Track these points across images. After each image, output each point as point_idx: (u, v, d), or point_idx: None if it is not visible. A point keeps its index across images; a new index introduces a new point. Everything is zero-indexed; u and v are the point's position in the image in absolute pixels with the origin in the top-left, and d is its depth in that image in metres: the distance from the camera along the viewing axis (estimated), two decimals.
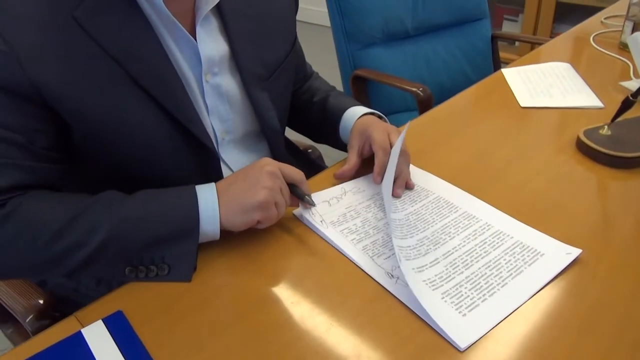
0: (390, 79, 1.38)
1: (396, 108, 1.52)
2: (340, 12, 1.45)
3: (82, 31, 0.60)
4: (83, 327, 0.55)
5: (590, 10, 2.70)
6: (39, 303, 0.73)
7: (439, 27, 1.60)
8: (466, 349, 0.50)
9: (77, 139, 0.63)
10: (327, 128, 0.89)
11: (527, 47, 2.99)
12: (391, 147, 0.74)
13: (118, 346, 0.52)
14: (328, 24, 1.50)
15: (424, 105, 1.28)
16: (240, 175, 0.64)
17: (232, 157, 0.79)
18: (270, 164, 0.64)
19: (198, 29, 0.69)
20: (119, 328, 0.54)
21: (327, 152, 1.07)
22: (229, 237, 0.64)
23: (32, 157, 0.60)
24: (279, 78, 0.81)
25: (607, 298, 0.55)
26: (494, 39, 1.70)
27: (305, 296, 0.57)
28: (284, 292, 0.58)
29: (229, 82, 0.75)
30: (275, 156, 0.85)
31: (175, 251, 0.59)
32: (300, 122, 0.97)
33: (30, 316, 0.73)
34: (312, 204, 0.68)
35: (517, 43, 2.99)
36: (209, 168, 0.74)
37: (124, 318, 0.55)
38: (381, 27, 1.48)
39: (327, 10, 1.48)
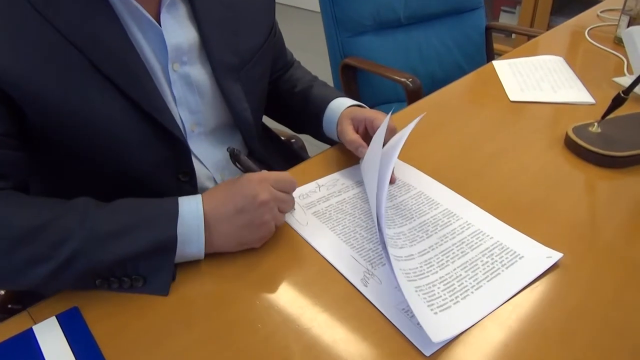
0: (380, 69, 1.35)
1: (386, 98, 1.49)
2: None
3: (39, 16, 0.56)
4: (35, 323, 0.52)
5: (588, 3, 2.68)
6: None
7: (432, 16, 1.56)
8: (431, 355, 0.47)
9: (36, 127, 0.59)
10: (309, 119, 0.86)
11: (524, 40, 2.95)
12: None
13: (70, 344, 0.49)
14: (318, 9, 1.46)
15: (413, 96, 1.25)
16: (231, 205, 0.59)
17: (202, 150, 0.75)
18: (262, 192, 0.59)
19: (163, 15, 0.65)
20: (72, 325, 0.51)
21: (310, 142, 1.03)
22: None
23: None
24: (253, 68, 0.77)
25: (586, 305, 0.52)
26: (488, 30, 1.66)
27: (275, 293, 0.55)
28: (249, 290, 0.56)
29: (198, 72, 0.71)
30: (250, 149, 0.81)
31: (150, 264, 0.56)
32: (280, 113, 0.94)
33: None
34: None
35: (513, 35, 2.95)
36: (179, 160, 0.70)
37: (79, 315, 0.53)
38: (372, 15, 1.44)
39: None
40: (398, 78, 1.27)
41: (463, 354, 0.48)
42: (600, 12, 1.40)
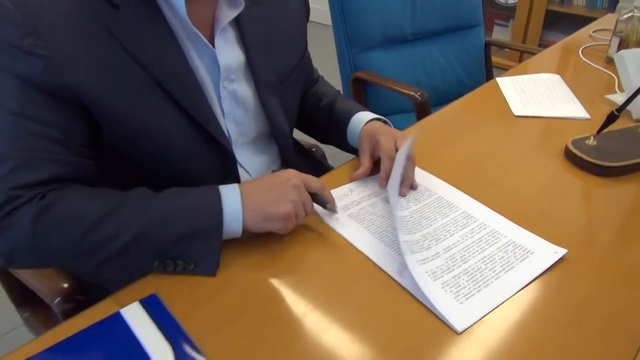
0: (389, 83, 1.45)
1: (393, 110, 1.59)
2: (342, 16, 1.51)
3: (115, 40, 0.65)
4: (121, 308, 0.60)
5: (579, 19, 2.81)
6: (64, 287, 0.79)
7: (436, 33, 1.67)
8: (462, 332, 0.57)
9: (108, 138, 0.68)
10: (334, 131, 0.96)
11: (516, 53, 3.09)
12: (397, 151, 0.80)
13: (156, 324, 0.58)
14: (327, 22, 1.55)
15: (421, 108, 1.35)
16: (266, 185, 0.69)
17: (245, 158, 0.85)
18: (295, 177, 0.70)
19: (217, 39, 0.74)
20: (154, 308, 0.60)
21: (330, 151, 1.13)
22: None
23: (70, 153, 0.65)
24: (289, 84, 0.87)
25: (590, 294, 0.62)
26: (488, 45, 1.77)
27: (321, 285, 0.64)
28: (301, 280, 0.65)
29: (244, 89, 0.80)
30: (284, 157, 0.91)
31: (200, 247, 0.64)
32: (307, 125, 1.03)
33: (58, 299, 0.78)
34: (334, 211, 0.74)
35: (506, 49, 3.08)
36: (226, 167, 0.79)
37: (159, 299, 0.61)
38: (381, 31, 1.55)
39: (326, 9, 1.54)
40: (407, 92, 1.37)
41: (487, 332, 0.57)
42: (593, 32, 1.51)
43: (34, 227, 0.61)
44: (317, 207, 0.74)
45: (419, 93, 1.35)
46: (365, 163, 0.84)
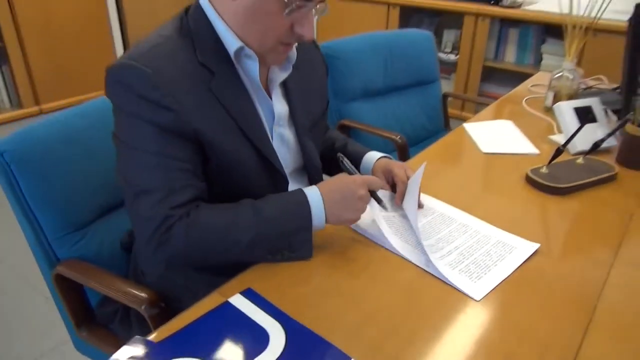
0: (373, 129, 1.72)
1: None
2: (329, 74, 1.77)
3: (214, 97, 0.87)
4: (227, 299, 0.80)
5: (509, 73, 3.28)
6: (146, 297, 0.96)
7: (403, 87, 1.98)
8: (480, 300, 0.81)
9: (210, 167, 0.89)
10: None
11: (459, 102, 3.51)
12: (407, 178, 1.05)
13: (260, 307, 0.77)
14: None
15: (402, 149, 1.62)
16: (339, 191, 0.91)
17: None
18: (362, 188, 0.91)
19: (273, 93, 0.98)
20: (254, 296, 0.80)
21: None
22: (325, 241, 0.93)
23: (197, 179, 0.86)
24: (318, 127, 1.12)
25: (558, 272, 0.88)
26: (445, 97, 2.10)
27: (376, 275, 0.86)
28: (361, 273, 0.87)
29: (288, 132, 1.04)
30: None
31: (298, 239, 0.87)
32: (322, 163, 1.26)
33: (144, 305, 0.95)
34: (386, 208, 0.96)
35: (450, 98, 3.48)
36: (280, 189, 1.01)
37: (254, 291, 0.81)
38: (360, 86, 1.83)
39: None
40: (389, 136, 1.65)
41: (494, 299, 0.81)
42: (531, 86, 1.86)
43: (187, 239, 0.81)
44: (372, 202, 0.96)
45: (399, 137, 1.63)
46: (387, 188, 1.08)
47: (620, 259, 0.92)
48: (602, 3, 1.46)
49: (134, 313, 1.06)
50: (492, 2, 3.17)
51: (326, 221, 0.90)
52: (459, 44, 3.39)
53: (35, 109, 3.65)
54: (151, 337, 0.73)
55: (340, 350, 0.70)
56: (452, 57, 3.47)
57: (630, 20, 1.27)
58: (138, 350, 0.70)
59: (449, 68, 3.57)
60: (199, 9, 0.90)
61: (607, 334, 0.76)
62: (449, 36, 3.54)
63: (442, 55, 3.51)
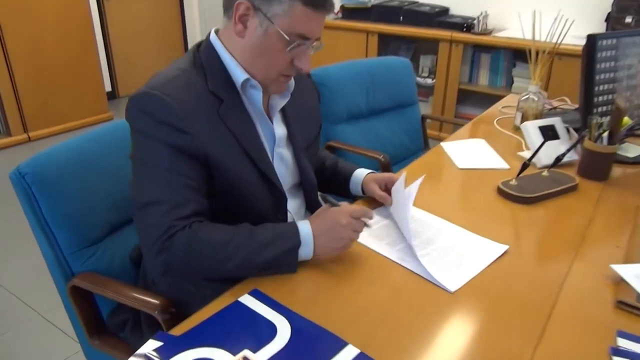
0: (358, 149, 1.85)
1: None
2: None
3: (222, 122, 0.99)
4: (237, 299, 0.90)
5: (483, 95, 3.48)
6: (158, 303, 1.05)
7: (385, 110, 2.12)
8: (454, 292, 0.93)
9: (215, 185, 1.00)
10: (337, 183, 1.33)
11: (437, 123, 3.68)
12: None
13: (267, 305, 0.88)
14: None
15: (385, 167, 1.75)
16: (326, 226, 0.99)
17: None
18: (344, 217, 1.00)
19: (274, 118, 1.11)
20: (260, 296, 0.90)
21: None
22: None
23: (201, 196, 0.96)
24: (313, 147, 1.24)
25: (524, 269, 1.01)
26: (424, 119, 2.25)
27: (365, 274, 0.98)
28: (350, 271, 0.98)
29: (286, 153, 1.16)
30: (308, 201, 1.25)
31: (286, 260, 0.97)
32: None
33: (157, 310, 1.04)
34: (369, 226, 1.07)
35: (428, 120, 3.66)
36: (279, 205, 1.12)
37: (261, 292, 0.92)
38: (345, 110, 1.97)
39: None
40: (374, 155, 1.78)
41: (466, 291, 0.93)
42: (502, 107, 2.02)
43: (187, 248, 0.91)
44: None
45: (382, 156, 1.76)
46: (387, 196, 1.21)
47: (579, 258, 1.05)
48: (562, 30, 1.63)
49: (145, 321, 1.15)
50: (465, 29, 3.37)
51: (315, 252, 0.99)
52: (435, 68, 3.57)
53: (24, 136, 3.72)
54: (172, 332, 0.83)
55: (338, 337, 0.81)
56: (429, 81, 3.66)
57: (584, 48, 1.43)
58: (162, 342, 0.80)
59: (426, 91, 3.75)
60: (210, 45, 1.03)
61: (567, 319, 0.88)
62: (425, 61, 3.73)
63: (419, 80, 3.69)
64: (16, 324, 1.96)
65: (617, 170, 1.46)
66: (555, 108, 1.92)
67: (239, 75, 1.02)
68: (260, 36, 0.98)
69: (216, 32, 1.06)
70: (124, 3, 4.60)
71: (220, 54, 1.02)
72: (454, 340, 0.83)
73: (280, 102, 1.11)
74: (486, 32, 3.35)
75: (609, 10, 3.04)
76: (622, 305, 0.90)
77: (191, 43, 5.14)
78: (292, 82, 1.10)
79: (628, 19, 2.99)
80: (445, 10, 3.64)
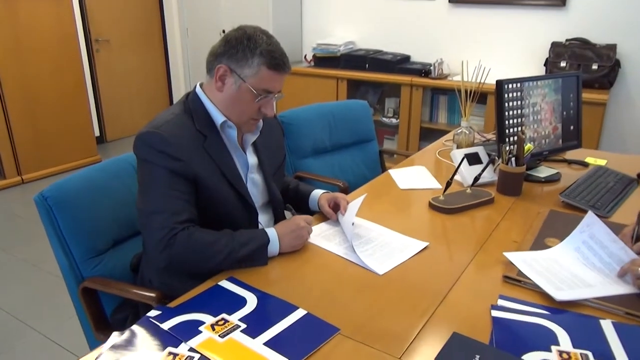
0: (322, 178, 2.17)
1: None
2: (286, 136, 2.23)
3: (206, 153, 1.31)
4: (217, 283, 1.18)
5: (443, 132, 3.85)
6: (154, 295, 1.33)
7: (346, 145, 2.45)
8: (382, 275, 1.23)
9: (201, 202, 1.30)
10: (299, 202, 1.63)
11: (403, 158, 4.03)
12: (347, 202, 1.49)
13: (240, 287, 1.17)
14: None
15: (344, 192, 2.06)
16: (288, 229, 1.32)
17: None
18: (302, 222, 1.33)
19: (247, 149, 1.42)
20: (236, 281, 1.19)
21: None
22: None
23: (191, 207, 1.26)
24: (278, 173, 1.55)
25: (438, 261, 1.31)
26: (381, 153, 2.59)
27: (320, 264, 1.27)
28: (307, 263, 1.27)
29: (258, 178, 1.48)
30: (276, 216, 1.55)
31: (259, 255, 1.26)
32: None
33: (153, 301, 1.32)
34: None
35: (395, 155, 4.01)
36: (252, 218, 1.43)
37: (235, 278, 1.20)
38: (311, 145, 2.29)
39: None
40: (335, 182, 2.09)
41: (393, 275, 1.23)
42: (445, 141, 2.37)
43: (186, 245, 1.20)
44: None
45: (341, 183, 2.08)
46: (331, 211, 1.52)
47: (482, 251, 1.36)
48: (483, 74, 2.00)
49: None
50: (423, 74, 3.78)
51: (280, 248, 1.30)
52: (399, 109, 3.96)
53: (17, 178, 3.97)
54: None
55: (292, 304, 1.10)
56: (394, 120, 4.03)
57: (495, 91, 1.78)
58: (161, 311, 1.08)
59: (392, 130, 4.13)
60: (196, 95, 1.36)
61: (464, 290, 1.18)
62: (390, 103, 4.12)
63: (385, 120, 4.07)
64: (14, 341, 2.18)
65: (530, 187, 1.80)
66: (488, 140, 2.28)
67: (218, 118, 1.34)
68: (235, 91, 1.31)
69: (201, 85, 1.38)
70: (113, 55, 4.97)
71: (204, 102, 1.35)
72: (376, 305, 1.12)
73: (251, 138, 1.43)
74: (442, 77, 3.75)
75: (547, 56, 3.47)
76: (506, 279, 1.21)
77: (176, 92, 5.52)
78: (260, 122, 1.43)
79: (562, 63, 3.42)
80: (406, 58, 4.06)
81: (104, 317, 1.50)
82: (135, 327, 1.04)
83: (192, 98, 1.36)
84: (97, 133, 4.85)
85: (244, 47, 1.27)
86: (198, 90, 1.37)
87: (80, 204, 1.43)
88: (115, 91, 5.06)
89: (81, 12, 4.60)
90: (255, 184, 1.47)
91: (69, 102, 4.19)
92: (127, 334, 1.02)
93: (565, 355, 0.93)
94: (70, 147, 4.27)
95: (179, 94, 5.46)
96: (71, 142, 4.27)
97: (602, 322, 1.03)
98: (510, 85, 1.76)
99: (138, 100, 5.26)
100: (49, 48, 3.97)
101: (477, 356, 0.91)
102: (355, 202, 1.45)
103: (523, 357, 0.93)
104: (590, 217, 1.28)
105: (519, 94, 1.78)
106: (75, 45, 4.14)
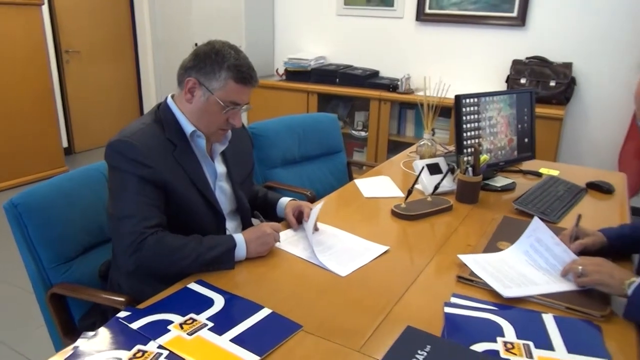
0: (291, 187, 2.23)
1: None
2: (256, 147, 2.29)
3: (176, 161, 1.36)
4: (185, 285, 1.23)
5: (409, 144, 3.95)
6: (123, 299, 1.36)
7: (315, 156, 2.52)
8: (345, 276, 1.29)
9: (171, 209, 1.35)
10: (267, 209, 1.69)
11: (370, 168, 4.13)
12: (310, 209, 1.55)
13: (208, 289, 1.21)
14: None
15: (311, 201, 2.13)
16: (255, 235, 1.37)
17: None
18: (269, 229, 1.39)
19: (216, 159, 1.48)
20: (204, 284, 1.23)
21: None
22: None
23: (161, 212, 1.31)
24: (247, 181, 1.61)
25: (395, 262, 1.39)
26: (349, 164, 2.67)
27: (286, 267, 1.33)
28: (273, 268, 1.33)
29: (226, 186, 1.53)
30: (244, 222, 1.61)
31: (226, 259, 1.31)
32: (250, 206, 1.75)
33: (123, 305, 1.35)
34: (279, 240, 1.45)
35: (364, 167, 4.11)
36: (219, 224, 1.48)
37: (204, 281, 1.25)
38: (280, 156, 2.36)
39: None
40: (302, 191, 2.16)
41: (355, 277, 1.29)
42: (409, 152, 2.47)
43: (154, 249, 1.25)
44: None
45: (309, 192, 2.15)
46: (293, 220, 1.57)
47: (439, 254, 1.44)
48: (444, 89, 2.10)
49: None
50: (391, 89, 3.89)
51: (247, 253, 1.35)
52: (368, 123, 4.06)
53: None
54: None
55: (257, 303, 1.15)
56: (363, 133, 4.13)
57: (453, 105, 1.88)
58: (130, 312, 1.11)
59: (361, 143, 4.23)
60: (167, 106, 1.41)
61: (420, 290, 1.26)
62: (359, 117, 4.23)
63: (355, 133, 4.17)
64: None
65: (487, 196, 1.90)
66: (450, 151, 2.38)
67: (188, 127, 1.40)
68: (204, 103, 1.37)
69: (172, 96, 1.44)
70: (83, 66, 4.95)
71: (174, 112, 1.40)
72: (338, 304, 1.19)
73: (220, 147, 1.49)
74: (409, 92, 3.87)
75: (509, 73, 3.63)
76: (460, 279, 1.29)
77: (146, 104, 5.52)
78: (229, 133, 1.49)
79: (523, 80, 3.59)
80: (375, 73, 4.18)
81: (72, 323, 1.52)
82: (104, 328, 1.07)
83: (163, 108, 1.42)
84: (65, 144, 4.80)
85: (212, 61, 1.34)
86: (169, 101, 1.42)
87: (50, 211, 1.45)
88: (85, 102, 5.04)
89: (52, 23, 4.59)
90: (223, 192, 1.52)
91: (36, 113, 4.15)
92: (96, 333, 1.05)
93: (509, 345, 1.01)
94: (37, 158, 4.22)
95: (149, 105, 5.46)
96: (38, 152, 4.22)
97: (544, 315, 1.12)
98: (467, 100, 1.86)
99: (108, 111, 5.24)
100: (17, 57, 3.94)
101: (429, 346, 0.99)
102: (314, 209, 1.52)
103: (471, 347, 1.00)
104: (535, 222, 1.38)
105: (476, 108, 1.89)
106: (43, 55, 4.12)
